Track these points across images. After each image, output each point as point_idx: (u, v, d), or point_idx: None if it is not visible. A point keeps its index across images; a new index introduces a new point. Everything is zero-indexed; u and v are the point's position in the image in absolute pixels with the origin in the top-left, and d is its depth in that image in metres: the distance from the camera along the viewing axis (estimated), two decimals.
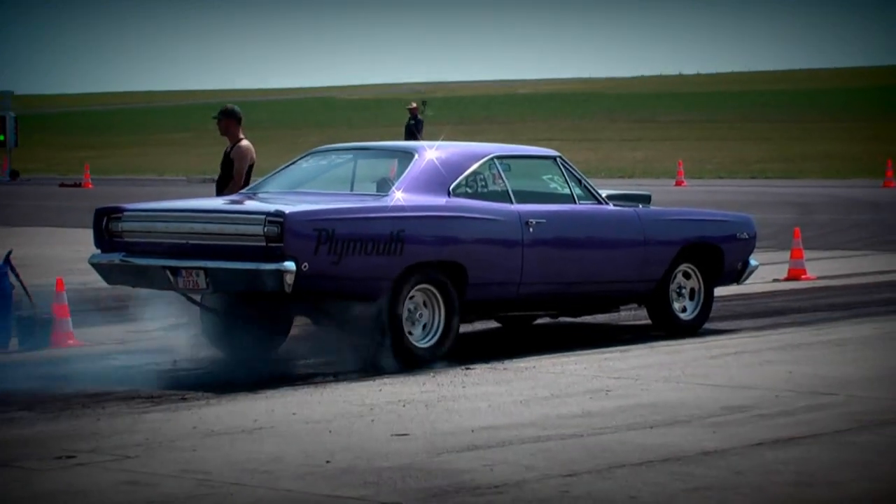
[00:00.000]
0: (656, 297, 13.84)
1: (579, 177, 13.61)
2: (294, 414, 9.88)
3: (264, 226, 11.38)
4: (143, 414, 9.87)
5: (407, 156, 12.96)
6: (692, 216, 15.23)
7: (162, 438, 9.04)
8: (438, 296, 12.10)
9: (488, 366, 11.73)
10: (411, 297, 11.96)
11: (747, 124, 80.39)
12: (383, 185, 12.66)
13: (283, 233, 11.29)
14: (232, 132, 14.73)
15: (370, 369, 11.37)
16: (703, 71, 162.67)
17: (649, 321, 13.90)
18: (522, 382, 11.07)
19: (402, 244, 11.95)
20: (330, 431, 9.19)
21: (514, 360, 12.13)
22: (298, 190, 12.87)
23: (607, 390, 10.61)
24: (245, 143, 14.72)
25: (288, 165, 13.65)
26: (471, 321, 12.51)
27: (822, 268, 19.26)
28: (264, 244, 11.33)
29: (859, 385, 10.50)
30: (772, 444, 8.60)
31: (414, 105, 40.22)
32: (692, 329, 13.85)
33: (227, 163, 14.62)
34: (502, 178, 12.95)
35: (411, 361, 11.59)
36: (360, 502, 7.31)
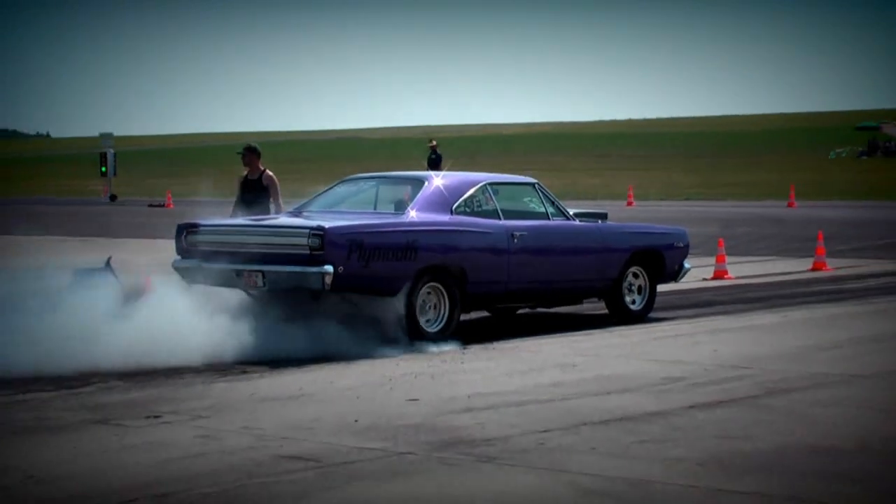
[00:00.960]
0: (612, 293, 13.78)
1: (552, 199, 13.58)
2: (331, 383, 9.88)
3: (309, 238, 11.35)
4: (212, 384, 9.87)
5: (419, 183, 12.92)
6: (640, 229, 15.22)
7: (226, 403, 9.04)
8: (444, 292, 12.05)
9: (481, 346, 11.72)
10: (422, 293, 11.91)
11: (682, 158, 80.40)
12: (400, 206, 12.64)
13: (324, 243, 11.26)
14: (254, 164, 14.66)
15: (390, 349, 11.34)
16: (649, 116, 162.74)
17: (606, 311, 13.88)
18: (507, 359, 11.07)
19: (415, 252, 11.90)
20: (357, 397, 9.18)
21: (501, 341, 12.13)
22: (334, 209, 12.82)
23: (574, 365, 10.60)
24: (270, 172, 14.69)
25: (325, 190, 13.64)
26: (468, 311, 12.49)
27: (740, 270, 19.27)
28: (309, 252, 11.30)
29: (769, 361, 10.50)
30: (702, 406, 8.60)
31: (434, 143, 40.22)
32: (640, 317, 13.80)
33: (249, 187, 14.58)
34: (493, 200, 12.93)
35: (422, 342, 11.54)
36: (381, 452, 7.29)
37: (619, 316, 13.76)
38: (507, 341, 12.15)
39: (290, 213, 13.18)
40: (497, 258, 12.57)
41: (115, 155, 44.95)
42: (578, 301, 14.01)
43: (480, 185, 13.00)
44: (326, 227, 11.45)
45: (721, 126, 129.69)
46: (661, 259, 14.20)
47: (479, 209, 12.80)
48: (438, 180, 12.86)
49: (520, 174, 14.51)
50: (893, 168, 61.02)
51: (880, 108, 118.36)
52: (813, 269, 19.29)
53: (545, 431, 7.80)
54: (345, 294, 11.58)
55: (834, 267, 19.59)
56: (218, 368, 10.48)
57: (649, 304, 14.06)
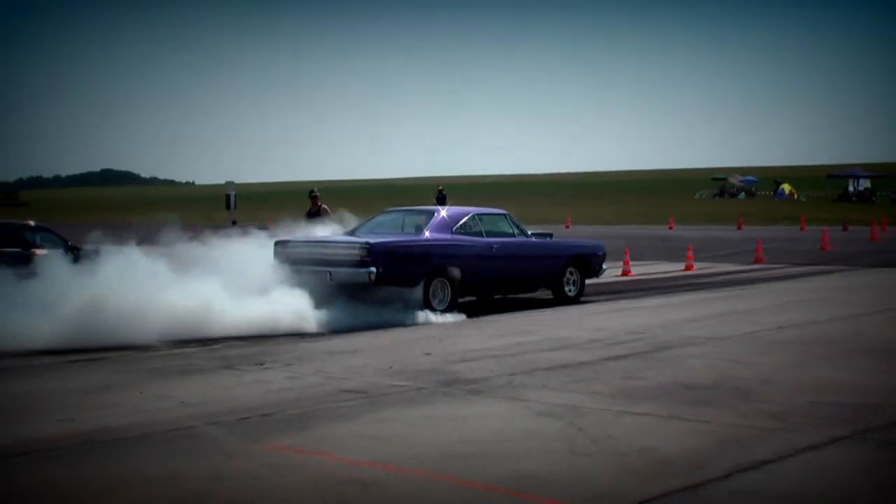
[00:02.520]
0: (555, 284, 13.77)
1: (517, 223, 13.63)
2: (373, 342, 9.86)
3: (360, 250, 11.43)
4: (298, 343, 9.89)
5: (430, 214, 12.96)
6: (574, 243, 15.24)
7: (306, 355, 9.06)
8: (447, 284, 12.08)
9: (471, 319, 11.73)
10: (433, 285, 11.93)
11: (599, 197, 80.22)
12: (419, 229, 12.67)
13: (370, 253, 11.34)
14: (314, 202, 16.07)
15: (412, 321, 11.35)
16: (578, 170, 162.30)
17: (552, 297, 13.90)
18: (488, 328, 11.06)
19: (428, 258, 11.95)
20: (391, 352, 9.18)
21: (484, 316, 12.11)
22: (376, 231, 12.84)
23: (531, 331, 10.58)
24: (325, 205, 15.95)
25: (369, 219, 13.68)
26: (463, 297, 12.52)
27: (638, 269, 19.26)
28: (360, 259, 11.38)
29: (656, 328, 10.51)
30: (613, 358, 8.60)
31: (441, 188, 42.25)
32: (574, 301, 13.77)
33: (312, 214, 15.62)
34: (479, 225, 12.96)
35: (433, 317, 11.55)
36: (406, 387, 7.31)
37: (561, 300, 13.73)
38: (488, 316, 12.13)
39: (346, 232, 13.19)
40: (481, 262, 12.59)
41: (235, 195, 44.94)
42: (535, 290, 13.99)
43: (470, 214, 13.01)
44: (372, 242, 11.53)
45: (625, 176, 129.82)
46: (588, 262, 14.21)
47: (470, 230, 12.79)
48: (443, 212, 12.91)
49: (496, 208, 14.53)
50: (734, 205, 61.13)
51: (728, 166, 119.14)
52: (685, 269, 19.32)
53: (512, 374, 7.83)
54: (383, 286, 11.56)
55: (698, 268, 19.61)
56: (302, 334, 10.50)
57: (580, 292, 14.02)
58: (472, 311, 12.32)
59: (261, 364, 8.49)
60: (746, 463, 5.14)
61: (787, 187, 70.77)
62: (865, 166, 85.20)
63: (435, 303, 11.90)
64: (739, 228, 37.07)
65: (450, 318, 11.62)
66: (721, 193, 76.12)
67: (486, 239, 12.80)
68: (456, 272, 12.16)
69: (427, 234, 12.37)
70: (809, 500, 4.58)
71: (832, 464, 5.19)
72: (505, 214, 13.71)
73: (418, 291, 11.73)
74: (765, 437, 5.67)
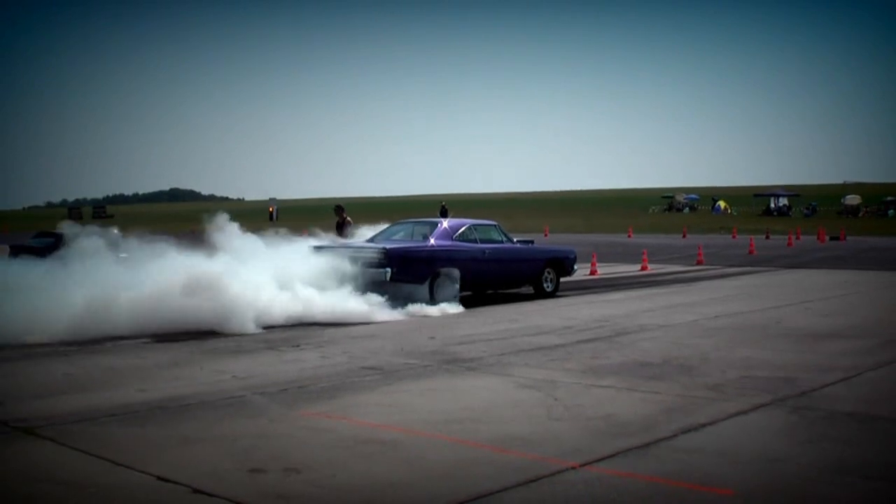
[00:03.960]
0: (536, 281, 13.71)
1: (505, 232, 13.59)
2: (389, 328, 9.80)
3: (379, 254, 11.43)
4: (325, 329, 9.83)
5: (434, 224, 12.94)
6: (551, 248, 15.13)
7: (334, 339, 9.02)
8: (449, 280, 12.05)
9: (468, 310, 11.70)
10: (438, 281, 11.89)
11: (574, 211, 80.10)
12: (425, 237, 12.63)
13: (386, 257, 11.35)
14: (340, 214, 15.07)
15: (421, 311, 11.30)
16: (558, 189, 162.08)
17: (533, 291, 13.89)
18: (481, 317, 11.03)
19: (434, 260, 11.90)
20: (402, 336, 9.13)
21: (478, 308, 12.08)
22: (391, 238, 12.83)
23: (516, 320, 10.55)
24: (349, 217, 15.07)
25: (385, 228, 13.69)
26: (462, 292, 12.49)
27: (603, 270, 19.21)
28: (378, 261, 11.38)
29: (617, 318, 10.49)
30: (583, 341, 8.58)
31: (444, 203, 41.93)
32: (551, 295, 13.74)
33: (338, 226, 14.84)
34: (474, 233, 12.93)
35: (439, 308, 11.45)
36: (414, 365, 7.29)
37: (540, 294, 13.67)
38: (481, 308, 12.07)
39: (368, 239, 13.17)
40: (476, 264, 12.53)
41: (278, 209, 44.92)
42: (520, 286, 13.96)
43: (467, 225, 12.97)
44: (387, 248, 11.51)
45: (594, 194, 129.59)
46: (562, 264, 14.15)
47: (467, 238, 12.75)
48: (445, 223, 12.88)
49: (488, 220, 14.51)
50: (680, 218, 61.01)
51: (675, 186, 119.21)
52: (641, 269, 19.29)
53: (501, 354, 7.82)
54: (397, 283, 11.51)
55: (652, 268, 19.58)
56: (327, 324, 10.39)
57: (556, 288, 13.95)
58: (468, 304, 12.30)
59: (297, 346, 8.47)
60: (689, 426, 5.13)
61: (722, 203, 70.69)
62: (784, 187, 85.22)
63: (440, 296, 11.85)
64: (684, 236, 37.01)
65: (450, 309, 11.58)
66: (670, 208, 76.00)
67: (480, 245, 12.73)
68: (455, 272, 12.10)
69: (432, 241, 12.30)
70: (741, 455, 4.58)
71: (757, 425, 5.19)
72: (495, 225, 13.67)
73: (426, 288, 11.69)
74: (704, 405, 5.67)
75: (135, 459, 4.54)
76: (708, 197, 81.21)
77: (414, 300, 11.53)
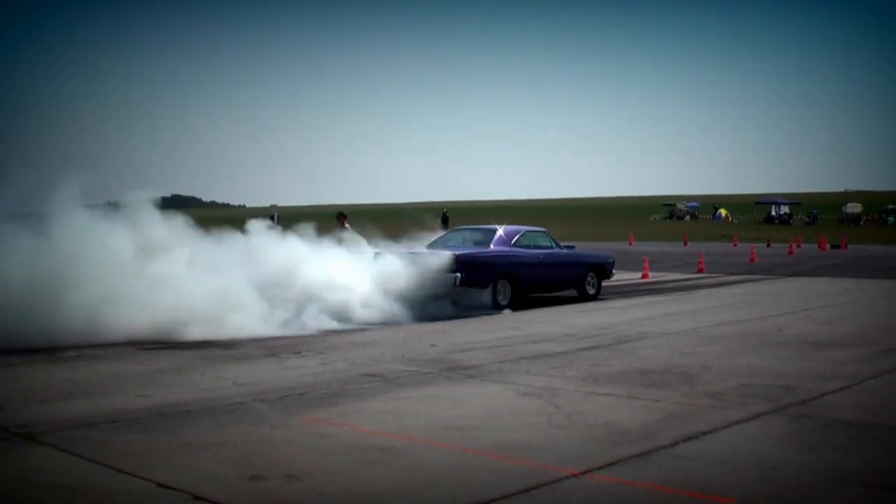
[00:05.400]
0: (579, 285, 14.29)
1: (553, 238, 14.32)
2: (392, 335, 9.81)
3: (450, 259, 12.05)
4: (327, 337, 9.84)
5: (492, 231, 13.57)
6: (593, 254, 15.83)
7: (335, 346, 9.00)
8: (509, 285, 12.65)
9: (466, 319, 11.58)
10: (499, 286, 12.52)
11: (578, 219, 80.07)
12: (485, 243, 13.19)
13: (456, 262, 12.03)
14: (341, 221, 15.47)
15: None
16: (563, 196, 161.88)
17: (577, 295, 14.35)
18: (482, 325, 10.94)
19: (495, 266, 12.60)
20: (403, 343, 9.13)
21: (478, 316, 11.94)
22: (449, 245, 13.30)
23: (517, 327, 10.43)
24: (348, 224, 15.49)
25: (443, 235, 14.41)
26: (518, 295, 12.93)
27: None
28: (448, 266, 12.01)
29: (619, 325, 10.47)
30: (584, 349, 8.57)
31: (445, 210, 42.22)
32: (594, 298, 14.32)
33: (341, 234, 15.08)
34: (529, 239, 13.60)
35: (499, 311, 12.16)
36: (415, 372, 7.29)
37: (583, 298, 14.24)
38: (481, 316, 11.93)
39: (428, 245, 13.59)
40: (531, 269, 13.16)
41: (279, 215, 44.95)
42: (564, 290, 14.40)
43: (522, 232, 13.66)
44: (457, 254, 12.21)
45: (596, 202, 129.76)
46: (603, 268, 14.78)
47: (522, 244, 13.39)
48: (502, 230, 13.52)
49: (538, 226, 15.24)
50: (681, 226, 61.03)
51: (676, 193, 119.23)
52: (642, 277, 19.29)
53: (502, 362, 7.81)
54: (464, 287, 12.07)
55: (652, 276, 19.59)
56: (333, 330, 10.39)
57: (598, 291, 14.58)
58: (466, 313, 12.30)
59: (298, 353, 8.46)
60: (689, 434, 5.13)
61: (723, 211, 70.71)
62: (786, 195, 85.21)
63: (500, 299, 12.44)
64: (685, 244, 37.00)
65: (508, 312, 12.10)
66: (671, 216, 76.05)
67: (533, 251, 13.37)
68: (514, 276, 12.73)
69: (493, 247, 12.96)
70: (741, 463, 4.58)
71: (757, 433, 5.19)
72: (545, 231, 14.31)
73: (488, 292, 12.31)
74: (704, 413, 5.67)
75: (136, 465, 4.55)
76: (709, 205, 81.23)
77: (477, 305, 12.15)
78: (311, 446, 4.96)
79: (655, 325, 10.41)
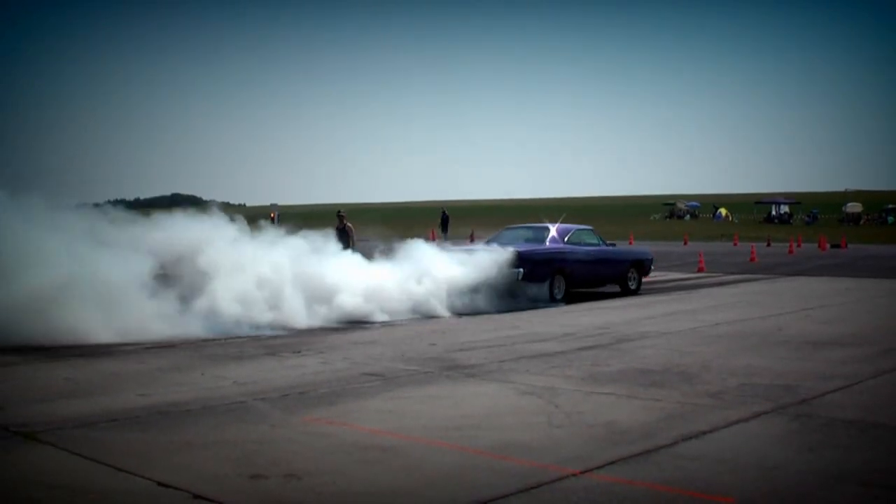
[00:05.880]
0: (622, 280, 14.92)
1: (598, 235, 15.09)
2: (392, 335, 9.82)
3: (513, 255, 12.79)
4: (328, 335, 9.84)
5: (546, 229, 14.27)
6: (634, 250, 16.86)
7: (336, 345, 9.00)
8: (563, 280, 13.33)
9: (468, 318, 11.64)
10: (555, 281, 13.19)
11: (579, 218, 79.77)
12: (541, 240, 13.88)
13: (519, 258, 12.76)
14: (342, 220, 15.86)
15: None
16: (562, 195, 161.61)
17: (619, 289, 15.00)
18: (482, 324, 10.94)
19: (551, 262, 13.30)
20: (403, 343, 9.14)
21: (478, 315, 11.99)
22: (506, 242, 13.79)
23: (516, 326, 10.42)
24: (349, 224, 15.87)
25: (499, 232, 15.01)
26: (571, 290, 13.58)
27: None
28: (511, 261, 12.73)
29: (620, 325, 10.45)
30: (584, 348, 8.56)
31: (445, 209, 42.72)
32: (635, 292, 14.93)
33: (339, 231, 15.14)
34: (579, 237, 14.34)
35: (553, 304, 12.87)
36: (415, 371, 7.28)
37: (625, 292, 14.87)
38: (481, 315, 11.96)
39: (485, 242, 14.33)
40: (582, 265, 13.84)
41: (279, 214, 44.94)
42: (607, 284, 14.96)
43: (573, 230, 14.43)
44: (520, 251, 12.92)
45: (596, 201, 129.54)
46: (643, 265, 15.40)
47: (573, 241, 14.11)
48: (554, 228, 14.19)
49: (586, 224, 15.86)
50: (681, 225, 61.05)
51: (676, 193, 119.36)
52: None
53: (502, 361, 7.81)
54: (526, 282, 12.75)
55: (652, 275, 19.45)
56: (334, 329, 10.42)
57: (639, 287, 15.20)
58: (467, 311, 12.29)
59: (298, 352, 8.46)
60: (689, 433, 5.13)
61: (723, 211, 70.73)
62: (786, 195, 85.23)
63: (555, 293, 13.09)
64: (685, 244, 37.01)
65: (562, 305, 12.77)
66: (671, 215, 76.05)
67: (584, 247, 14.08)
68: (568, 272, 13.38)
69: (548, 244, 13.66)
70: (741, 462, 4.58)
71: (757, 433, 5.19)
72: (592, 229, 15.01)
73: (545, 286, 12.98)
74: (704, 412, 5.67)
75: (136, 465, 4.55)
76: (709, 204, 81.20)
77: (537, 299, 12.72)
78: (312, 445, 4.96)
79: (655, 325, 10.41)
